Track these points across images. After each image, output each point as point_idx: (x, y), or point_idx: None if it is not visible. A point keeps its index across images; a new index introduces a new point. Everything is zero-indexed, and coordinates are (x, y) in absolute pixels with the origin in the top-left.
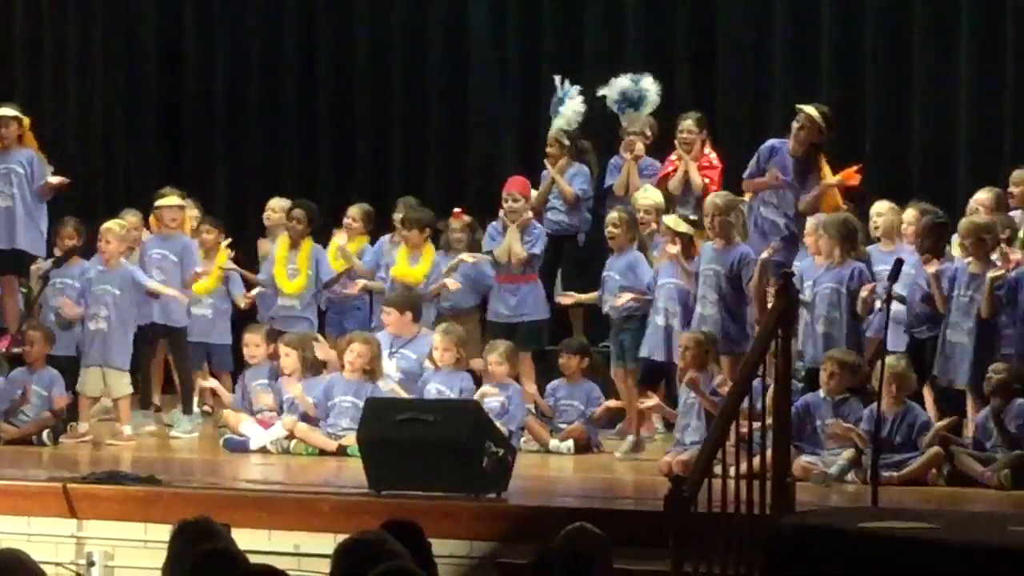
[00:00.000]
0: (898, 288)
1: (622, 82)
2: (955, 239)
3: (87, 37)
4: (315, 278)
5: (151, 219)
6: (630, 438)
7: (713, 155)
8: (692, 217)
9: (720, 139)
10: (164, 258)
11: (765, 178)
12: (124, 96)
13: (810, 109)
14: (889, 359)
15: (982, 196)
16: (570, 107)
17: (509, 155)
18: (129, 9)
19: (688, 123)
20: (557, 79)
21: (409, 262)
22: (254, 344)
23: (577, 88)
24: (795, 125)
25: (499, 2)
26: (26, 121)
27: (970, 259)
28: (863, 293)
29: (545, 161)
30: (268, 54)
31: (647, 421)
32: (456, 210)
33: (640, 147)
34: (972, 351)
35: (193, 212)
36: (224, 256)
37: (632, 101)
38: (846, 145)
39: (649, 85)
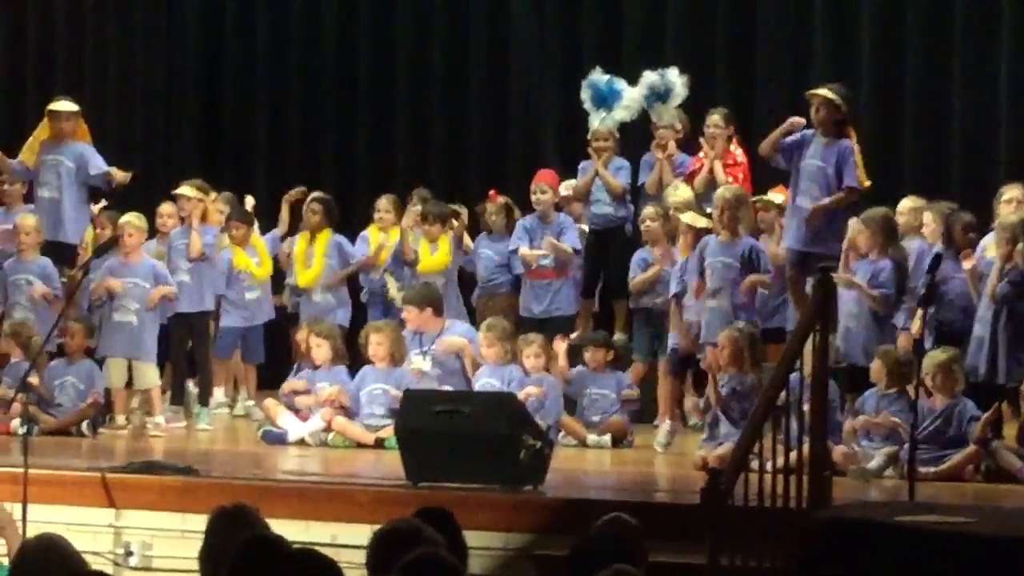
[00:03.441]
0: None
1: (649, 77)
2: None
3: (128, 31)
4: (337, 268)
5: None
6: (666, 425)
7: (739, 151)
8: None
9: (756, 136)
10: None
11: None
12: (164, 91)
13: (820, 91)
14: (934, 352)
15: (1015, 192)
16: (631, 99)
17: (549, 150)
18: (171, 8)
19: (715, 118)
20: (598, 72)
21: (430, 252)
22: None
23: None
24: (812, 112)
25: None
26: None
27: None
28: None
29: (591, 153)
30: (308, 49)
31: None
32: (491, 192)
33: (672, 146)
34: (1007, 347)
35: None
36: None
37: (660, 94)
38: (885, 142)
39: (675, 77)
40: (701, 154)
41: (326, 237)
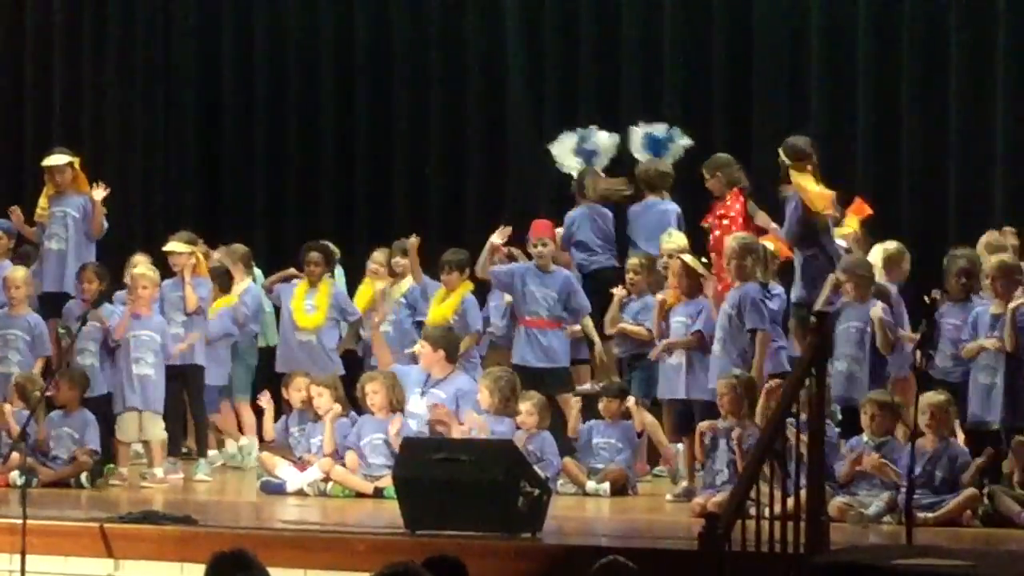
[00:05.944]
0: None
1: (654, 128)
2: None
3: (127, 83)
4: (336, 318)
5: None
6: (684, 484)
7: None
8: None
9: (755, 191)
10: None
11: None
12: (163, 141)
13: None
14: (928, 394)
15: (988, 238)
16: (608, 149)
17: (546, 202)
18: (169, 60)
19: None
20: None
21: (439, 301)
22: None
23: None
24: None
25: (535, 57)
26: (76, 162)
27: (995, 300)
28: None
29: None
30: (307, 99)
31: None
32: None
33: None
34: (1003, 391)
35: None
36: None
37: (659, 146)
38: (882, 192)
39: (678, 137)
40: None
41: (328, 286)
